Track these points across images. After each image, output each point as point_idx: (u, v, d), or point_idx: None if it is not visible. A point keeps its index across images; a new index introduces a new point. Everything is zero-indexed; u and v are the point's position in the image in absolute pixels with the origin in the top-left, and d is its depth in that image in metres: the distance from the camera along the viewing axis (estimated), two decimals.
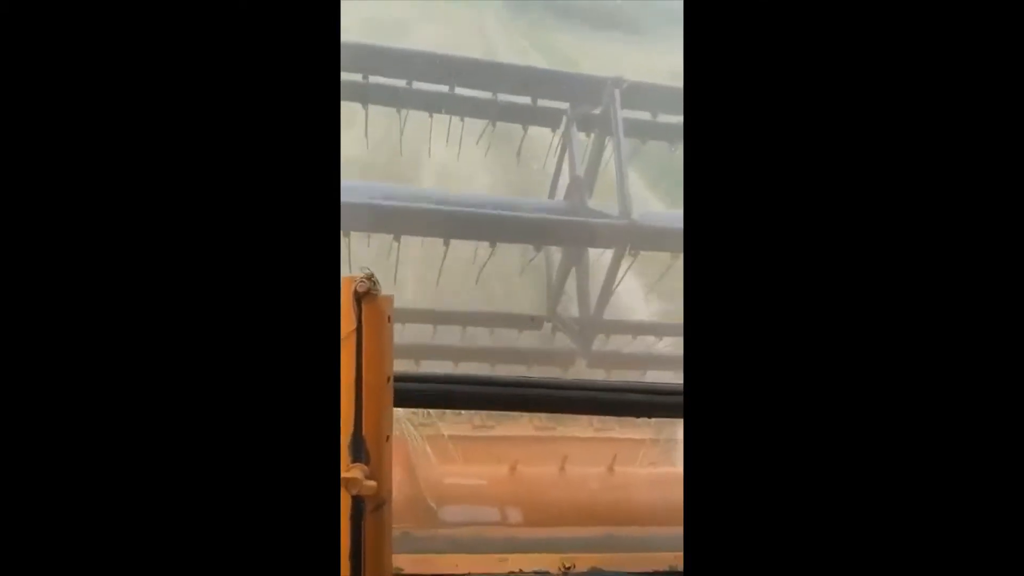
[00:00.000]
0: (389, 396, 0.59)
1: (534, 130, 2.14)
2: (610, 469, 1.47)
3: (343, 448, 0.57)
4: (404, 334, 2.00)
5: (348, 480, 0.55)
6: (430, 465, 1.45)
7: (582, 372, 1.86)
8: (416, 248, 1.80)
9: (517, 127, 2.14)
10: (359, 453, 0.57)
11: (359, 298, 0.55)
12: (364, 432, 0.57)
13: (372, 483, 0.56)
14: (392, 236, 1.66)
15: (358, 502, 0.57)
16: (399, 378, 0.66)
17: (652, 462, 1.59)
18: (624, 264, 1.73)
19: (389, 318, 0.58)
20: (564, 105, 2.06)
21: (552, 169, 2.20)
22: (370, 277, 0.56)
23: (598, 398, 0.91)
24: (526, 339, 2.07)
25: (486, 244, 1.76)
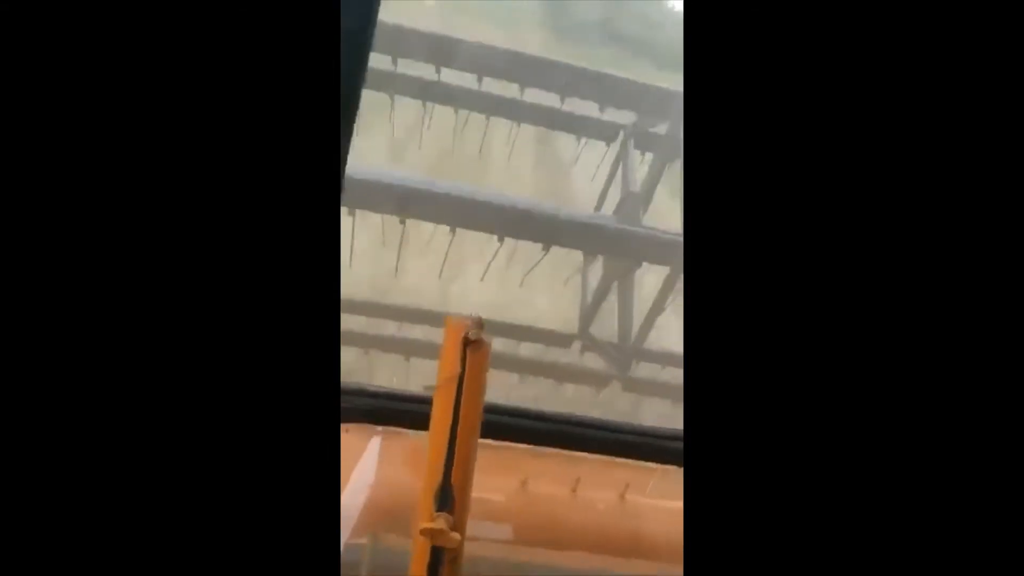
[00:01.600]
0: (476, 444, 0.57)
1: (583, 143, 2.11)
2: (622, 497, 1.44)
3: (429, 496, 0.55)
4: (433, 333, 1.99)
5: (433, 531, 0.53)
6: None
7: (616, 395, 1.83)
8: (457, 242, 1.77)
9: (571, 138, 2.11)
10: (446, 502, 0.55)
11: (466, 344, 0.53)
12: (453, 480, 0.55)
13: (456, 535, 0.54)
14: (449, 228, 1.64)
15: (437, 552, 0.55)
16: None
17: (662, 495, 1.56)
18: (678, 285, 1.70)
19: (487, 366, 0.56)
20: (622, 119, 2.03)
21: (600, 183, 2.17)
22: (480, 323, 0.53)
23: (636, 442, 0.91)
24: (554, 356, 2.04)
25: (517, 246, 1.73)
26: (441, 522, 0.54)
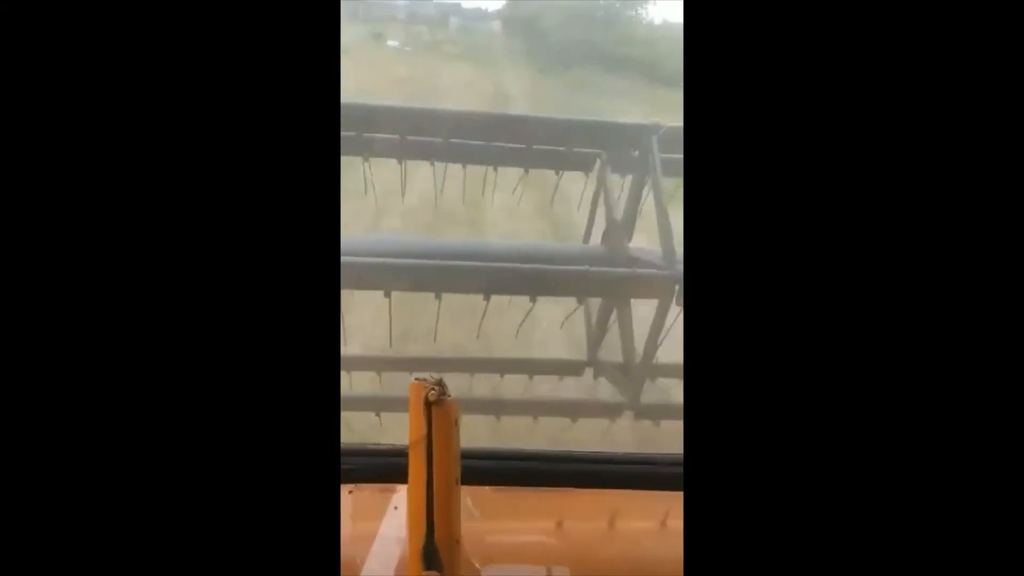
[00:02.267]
0: (458, 499, 0.58)
1: (567, 175, 2.15)
2: (663, 525, 1.41)
3: (415, 557, 0.57)
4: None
5: None
6: (473, 520, 1.41)
7: (629, 424, 1.82)
8: (454, 301, 1.81)
9: (550, 173, 2.15)
10: (432, 561, 0.56)
11: (429, 405, 0.55)
12: (437, 538, 0.56)
13: None
14: (433, 295, 1.68)
15: None
16: None
17: None
18: (671, 314, 1.71)
19: (456, 421, 0.57)
20: (599, 151, 2.07)
21: (586, 213, 2.20)
22: (440, 383, 0.55)
23: (657, 472, 0.91)
24: (567, 389, 2.04)
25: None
26: None
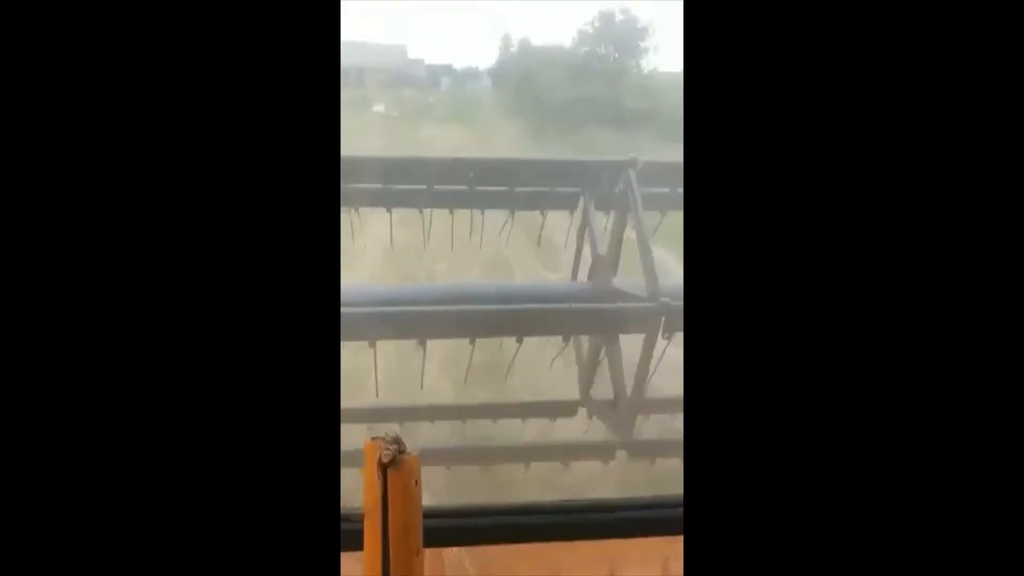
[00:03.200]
0: (420, 569, 0.53)
1: (552, 215, 2.16)
2: (664, 572, 1.35)
3: None
4: (435, 433, 1.94)
5: None
6: None
7: (624, 464, 1.76)
8: (440, 347, 1.77)
9: (535, 214, 2.15)
10: None
11: (384, 467, 0.50)
12: None
13: None
14: (416, 342, 1.64)
15: None
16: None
17: None
18: (659, 347, 1.67)
19: (416, 481, 0.53)
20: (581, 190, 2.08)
21: (572, 249, 2.19)
22: (396, 440, 0.51)
23: (648, 517, 0.86)
24: (560, 430, 1.99)
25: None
26: None
